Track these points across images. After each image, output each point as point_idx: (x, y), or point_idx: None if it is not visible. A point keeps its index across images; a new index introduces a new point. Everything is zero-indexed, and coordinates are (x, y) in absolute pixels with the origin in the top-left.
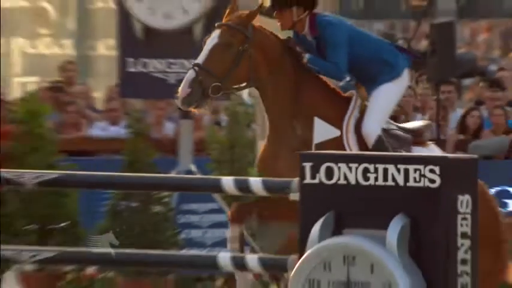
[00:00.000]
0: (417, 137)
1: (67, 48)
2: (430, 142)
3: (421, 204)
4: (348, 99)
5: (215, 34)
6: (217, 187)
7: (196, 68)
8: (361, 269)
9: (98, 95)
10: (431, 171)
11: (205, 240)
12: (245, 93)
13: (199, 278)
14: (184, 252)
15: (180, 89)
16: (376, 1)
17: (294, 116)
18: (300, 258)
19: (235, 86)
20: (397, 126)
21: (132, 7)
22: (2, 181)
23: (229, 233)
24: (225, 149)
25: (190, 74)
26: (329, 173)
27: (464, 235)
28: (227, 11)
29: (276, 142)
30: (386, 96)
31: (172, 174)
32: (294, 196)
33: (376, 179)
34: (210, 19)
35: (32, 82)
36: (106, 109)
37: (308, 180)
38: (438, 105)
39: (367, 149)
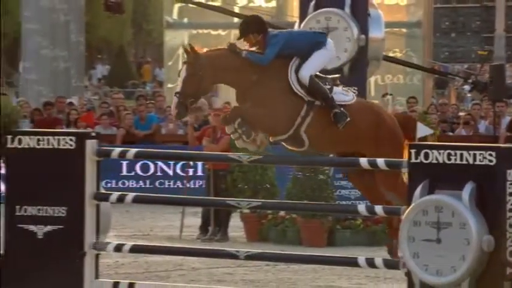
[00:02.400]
0: (335, 80)
1: None
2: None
3: (483, 175)
4: (291, 57)
5: (183, 69)
6: (357, 164)
7: (177, 94)
8: (446, 215)
9: None
10: (490, 155)
11: (350, 196)
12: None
13: (345, 219)
14: (337, 203)
15: (171, 109)
16: (457, 51)
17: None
18: (408, 208)
19: (204, 94)
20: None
21: None
22: (229, 160)
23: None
24: None
25: (175, 99)
26: (426, 156)
27: (510, 194)
28: (191, 51)
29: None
30: (317, 58)
31: (330, 156)
32: (404, 170)
33: (455, 159)
34: (353, 62)
35: None
36: None
37: (413, 160)
38: (494, 114)
39: (305, 87)
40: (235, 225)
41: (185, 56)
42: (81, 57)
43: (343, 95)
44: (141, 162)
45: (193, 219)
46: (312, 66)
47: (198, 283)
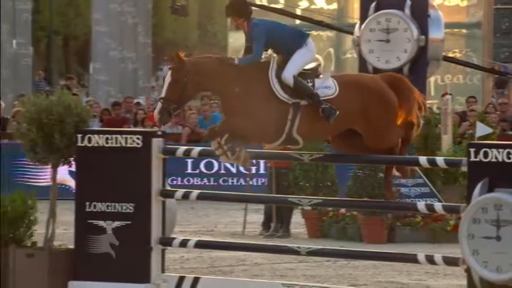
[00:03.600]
0: (315, 73)
1: None
2: (325, 75)
3: None
4: (268, 61)
5: (168, 75)
6: (416, 162)
7: (161, 100)
8: (505, 213)
9: None
10: None
11: (410, 193)
12: (434, 106)
13: (405, 216)
14: (397, 200)
15: (154, 114)
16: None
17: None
18: (467, 206)
19: (188, 101)
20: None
21: (367, 56)
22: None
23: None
24: (422, 140)
25: (158, 105)
26: (485, 155)
27: None
28: (176, 57)
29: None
30: (299, 57)
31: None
32: (464, 168)
33: None
34: (413, 63)
35: None
36: None
37: (472, 159)
38: None
39: (290, 89)
40: (297, 221)
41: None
42: (148, 58)
43: (326, 88)
44: (206, 160)
45: (256, 215)
46: (294, 66)
47: (260, 278)
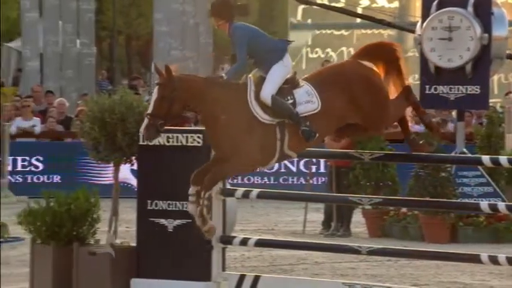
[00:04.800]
0: (292, 83)
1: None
2: (303, 84)
3: None
4: (245, 83)
5: (155, 90)
6: (479, 162)
7: (148, 116)
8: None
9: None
10: None
11: (472, 193)
12: (498, 105)
13: (468, 216)
14: (460, 200)
15: (140, 130)
16: None
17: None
18: None
19: (175, 118)
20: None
21: (428, 55)
22: (350, 157)
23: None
24: (485, 139)
25: (145, 121)
26: None
27: None
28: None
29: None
30: (275, 75)
31: (452, 154)
32: None
33: None
34: (476, 61)
35: None
36: (412, 115)
37: None
38: None
39: (268, 108)
40: (357, 221)
41: (298, 56)
42: (209, 58)
43: (309, 103)
44: None
45: (316, 214)
46: (271, 85)
47: (321, 277)
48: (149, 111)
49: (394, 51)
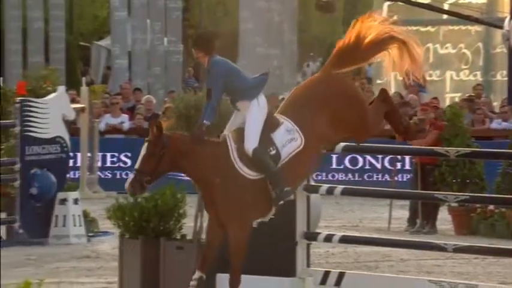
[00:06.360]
0: (271, 125)
1: (477, 76)
2: (282, 121)
3: None
4: (225, 141)
5: (144, 147)
6: None
7: (135, 171)
8: None
9: (496, 103)
10: None
11: None
12: None
13: None
14: None
15: (126, 185)
16: None
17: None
18: None
19: (161, 175)
20: None
21: None
22: (436, 154)
23: None
24: None
25: (131, 176)
26: None
27: None
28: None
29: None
30: (253, 123)
31: None
32: None
33: None
34: None
35: (457, 96)
36: (500, 112)
37: None
38: None
39: (251, 163)
40: (443, 218)
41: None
42: (294, 55)
43: (292, 141)
44: (350, 155)
45: (401, 211)
46: (252, 136)
47: (406, 274)
48: (136, 166)
49: (360, 46)
